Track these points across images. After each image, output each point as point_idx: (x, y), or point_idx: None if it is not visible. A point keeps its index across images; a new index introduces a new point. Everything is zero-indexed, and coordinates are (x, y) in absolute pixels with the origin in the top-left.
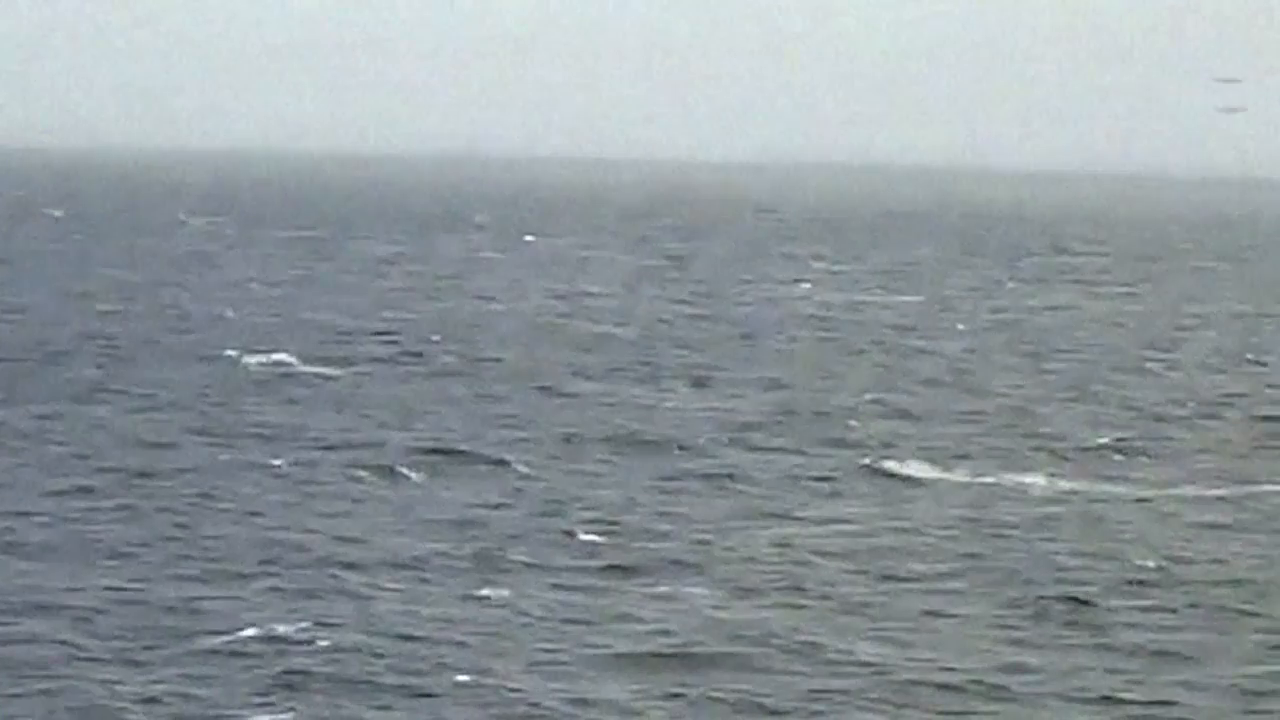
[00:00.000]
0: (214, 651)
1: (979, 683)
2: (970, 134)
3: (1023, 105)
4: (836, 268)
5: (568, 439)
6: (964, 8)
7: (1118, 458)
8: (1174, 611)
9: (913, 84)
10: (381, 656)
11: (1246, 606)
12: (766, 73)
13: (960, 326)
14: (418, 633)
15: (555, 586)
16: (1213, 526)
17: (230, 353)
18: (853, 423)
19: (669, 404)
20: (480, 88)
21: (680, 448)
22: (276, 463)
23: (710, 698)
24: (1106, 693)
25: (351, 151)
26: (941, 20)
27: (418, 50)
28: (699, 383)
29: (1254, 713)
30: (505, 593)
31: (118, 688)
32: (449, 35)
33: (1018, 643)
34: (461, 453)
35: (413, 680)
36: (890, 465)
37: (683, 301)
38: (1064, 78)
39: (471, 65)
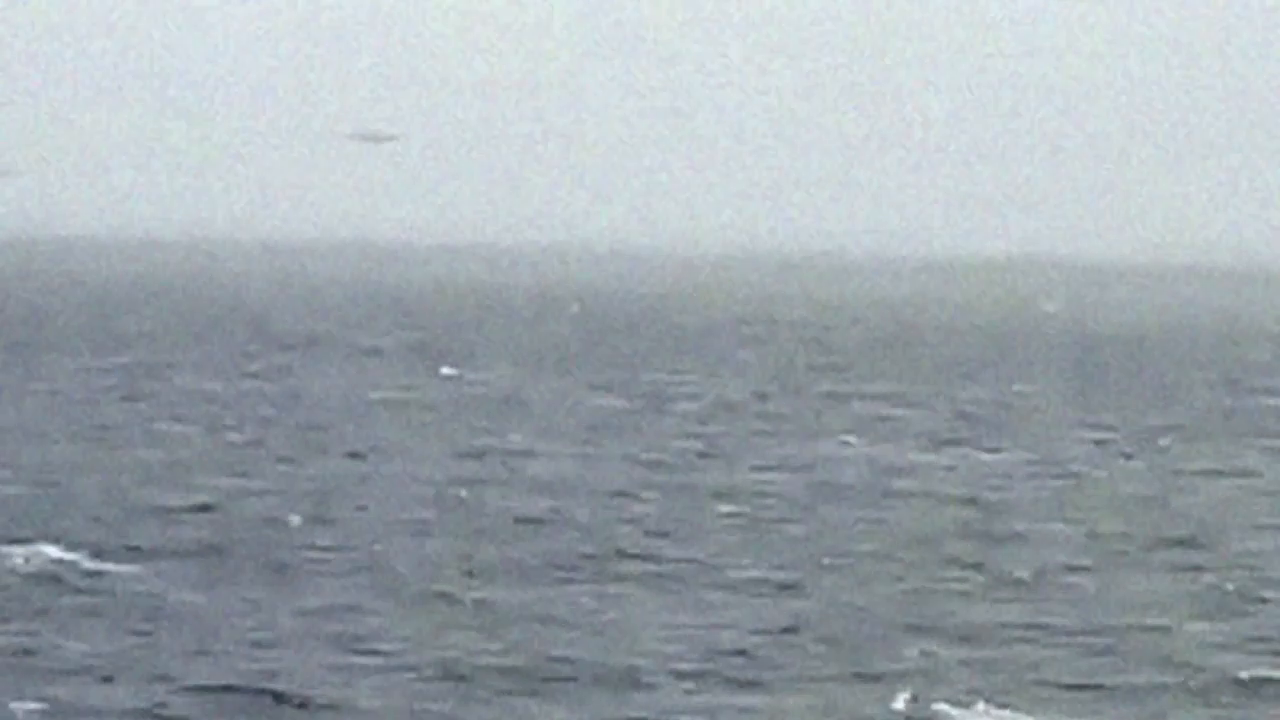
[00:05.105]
0: None
1: None
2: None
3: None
4: (897, 411)
5: (467, 674)
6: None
7: None
8: None
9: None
10: None
11: None
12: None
13: (1080, 501)
14: None
15: None
16: None
17: None
18: (901, 648)
19: (627, 619)
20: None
21: (641, 684)
22: (32, 707)
23: None
24: None
25: (179, 234)
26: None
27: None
28: (673, 587)
29: None
30: None
31: None
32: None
33: None
34: (312, 697)
35: None
36: (945, 709)
37: (660, 464)
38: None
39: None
